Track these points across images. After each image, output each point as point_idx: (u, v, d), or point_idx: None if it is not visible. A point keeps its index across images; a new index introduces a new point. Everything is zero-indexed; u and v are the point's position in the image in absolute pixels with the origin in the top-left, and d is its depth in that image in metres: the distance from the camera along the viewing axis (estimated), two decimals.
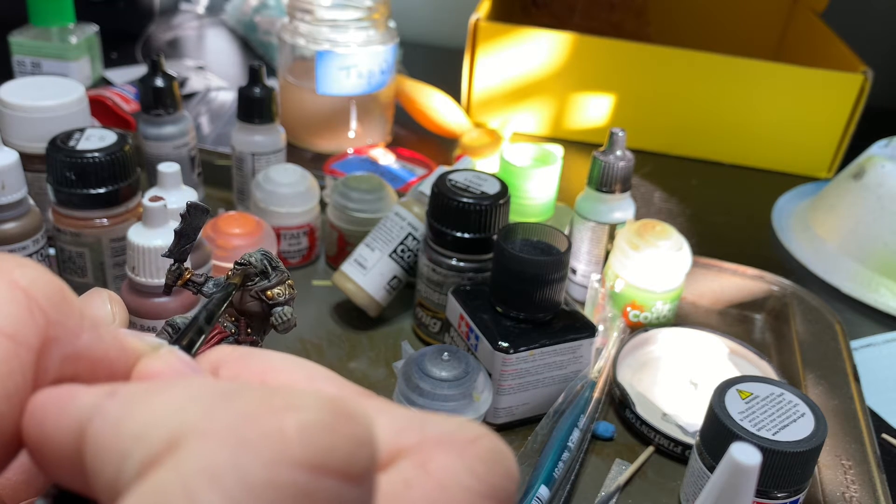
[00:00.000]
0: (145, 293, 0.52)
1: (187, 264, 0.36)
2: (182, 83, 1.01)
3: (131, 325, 0.53)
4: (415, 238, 0.62)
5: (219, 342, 0.38)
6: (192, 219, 0.34)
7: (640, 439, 0.55)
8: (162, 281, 0.43)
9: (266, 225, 0.64)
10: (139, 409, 0.15)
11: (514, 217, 0.65)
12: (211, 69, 1.08)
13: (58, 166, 0.55)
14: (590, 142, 0.97)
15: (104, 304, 0.23)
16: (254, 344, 0.39)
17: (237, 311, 0.39)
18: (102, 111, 0.87)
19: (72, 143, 0.56)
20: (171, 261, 0.35)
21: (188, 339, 0.22)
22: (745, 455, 0.34)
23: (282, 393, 0.14)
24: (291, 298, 0.38)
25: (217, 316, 0.26)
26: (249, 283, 0.36)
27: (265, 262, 0.37)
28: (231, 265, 0.37)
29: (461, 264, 0.59)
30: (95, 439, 0.15)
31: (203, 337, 0.23)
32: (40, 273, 0.17)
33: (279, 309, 0.38)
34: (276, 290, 0.37)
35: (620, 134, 0.63)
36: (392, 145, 0.91)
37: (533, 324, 0.54)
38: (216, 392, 0.15)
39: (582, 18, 1.15)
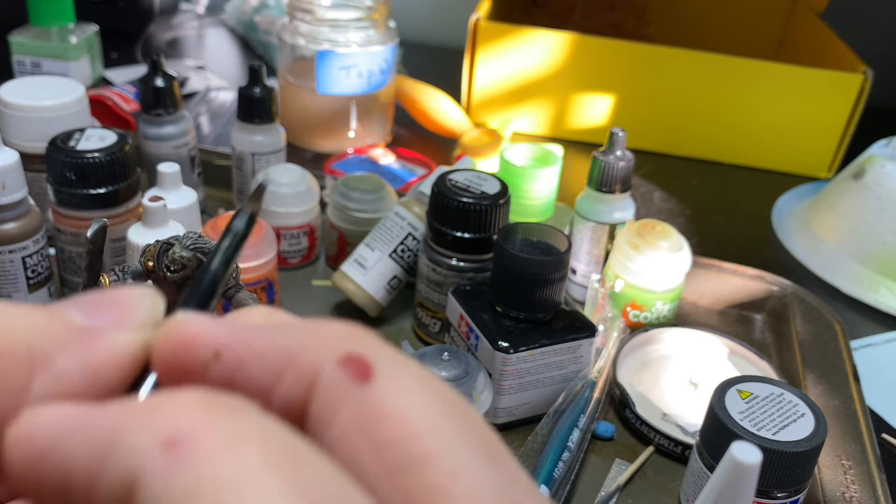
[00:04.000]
0: None
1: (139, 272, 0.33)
2: (182, 83, 1.01)
3: None
4: (415, 238, 0.62)
5: None
6: (94, 245, 0.32)
7: (640, 439, 0.55)
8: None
9: (266, 225, 0.64)
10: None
11: (514, 217, 0.65)
12: (211, 69, 1.08)
13: (58, 166, 0.55)
14: (590, 142, 0.97)
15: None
16: None
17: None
18: (102, 111, 0.87)
19: (72, 143, 0.56)
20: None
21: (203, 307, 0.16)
22: (745, 454, 0.34)
23: None
24: (237, 278, 0.34)
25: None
26: (176, 275, 0.33)
27: (198, 254, 0.33)
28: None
29: (461, 264, 0.59)
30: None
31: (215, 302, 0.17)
32: None
33: (241, 299, 0.34)
34: None
35: (620, 134, 0.63)
36: (392, 145, 0.91)
37: (533, 324, 0.54)
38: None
39: (582, 18, 1.15)
